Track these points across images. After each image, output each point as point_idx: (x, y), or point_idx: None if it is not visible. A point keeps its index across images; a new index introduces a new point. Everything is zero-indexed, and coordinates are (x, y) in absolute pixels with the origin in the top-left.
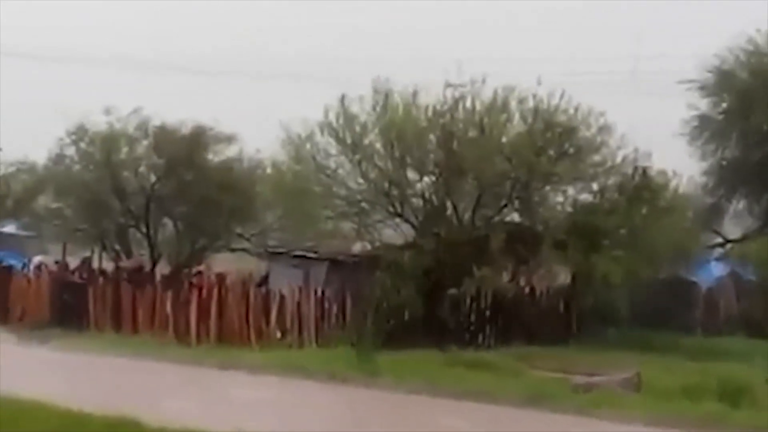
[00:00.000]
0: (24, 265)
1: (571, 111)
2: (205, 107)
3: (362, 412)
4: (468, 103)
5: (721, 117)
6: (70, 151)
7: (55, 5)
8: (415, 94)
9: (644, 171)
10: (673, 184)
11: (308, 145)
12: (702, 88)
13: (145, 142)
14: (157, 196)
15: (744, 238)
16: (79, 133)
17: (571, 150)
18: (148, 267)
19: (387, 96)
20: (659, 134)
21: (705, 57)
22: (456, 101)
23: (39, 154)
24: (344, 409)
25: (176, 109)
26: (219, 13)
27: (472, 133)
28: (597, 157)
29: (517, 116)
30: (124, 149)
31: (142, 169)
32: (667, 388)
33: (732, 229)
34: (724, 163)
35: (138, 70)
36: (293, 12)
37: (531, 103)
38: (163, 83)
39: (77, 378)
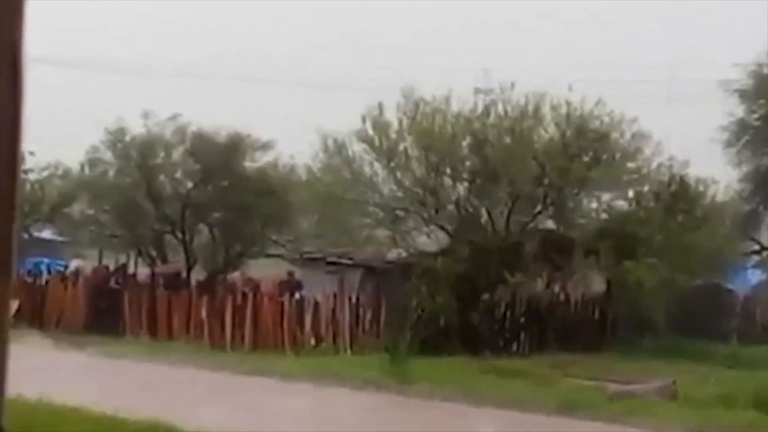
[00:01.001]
0: (61, 271)
1: (605, 117)
2: (240, 114)
3: (396, 420)
4: (500, 109)
5: (758, 123)
6: (107, 156)
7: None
8: (447, 100)
9: (681, 179)
10: (710, 191)
11: (343, 153)
12: (740, 93)
13: (181, 148)
14: (192, 202)
15: None
16: (117, 136)
17: (605, 156)
18: (183, 273)
19: (419, 103)
20: (696, 142)
21: (742, 63)
22: (487, 107)
23: (72, 160)
24: (378, 417)
25: (211, 115)
26: (252, 20)
27: (505, 138)
28: (631, 164)
29: (550, 122)
30: (161, 154)
31: (178, 174)
32: (703, 397)
33: None
34: (761, 169)
35: (172, 77)
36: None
37: (564, 109)
38: (197, 89)
39: (112, 383)
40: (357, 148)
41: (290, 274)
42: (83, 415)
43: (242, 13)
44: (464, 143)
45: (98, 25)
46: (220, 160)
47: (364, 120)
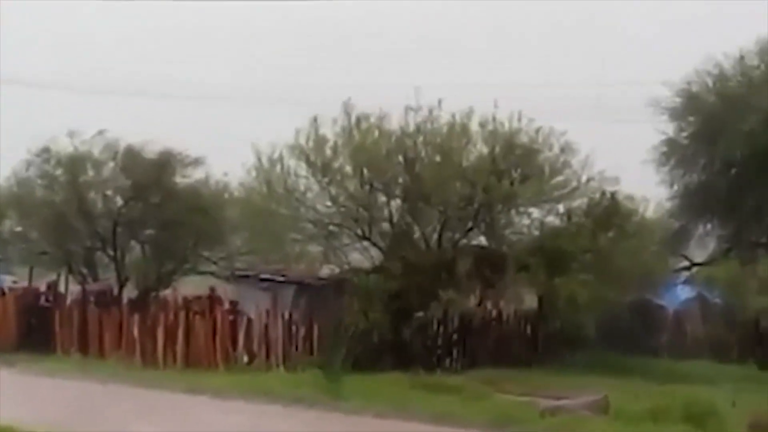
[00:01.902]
0: None
1: (533, 133)
2: (171, 131)
3: None
4: (429, 127)
5: (687, 141)
6: (35, 173)
7: (15, 27)
8: (382, 118)
9: (612, 195)
10: (640, 208)
11: (277, 168)
12: (669, 112)
13: (111, 165)
14: (124, 219)
15: (710, 262)
16: (44, 155)
17: (533, 171)
18: (115, 290)
19: (358, 120)
20: (626, 160)
21: (671, 82)
22: (418, 125)
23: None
24: None
25: (142, 133)
26: (185, 39)
27: (435, 157)
28: (560, 178)
29: (479, 140)
30: (90, 171)
31: (108, 191)
32: (634, 412)
33: (698, 252)
34: (691, 187)
35: (103, 94)
36: (258, 38)
37: (491, 126)
38: (128, 107)
39: (44, 402)
40: (291, 163)
41: (212, 289)
42: None
43: (176, 31)
44: (396, 161)
45: (26, 42)
46: (150, 176)
47: (297, 135)
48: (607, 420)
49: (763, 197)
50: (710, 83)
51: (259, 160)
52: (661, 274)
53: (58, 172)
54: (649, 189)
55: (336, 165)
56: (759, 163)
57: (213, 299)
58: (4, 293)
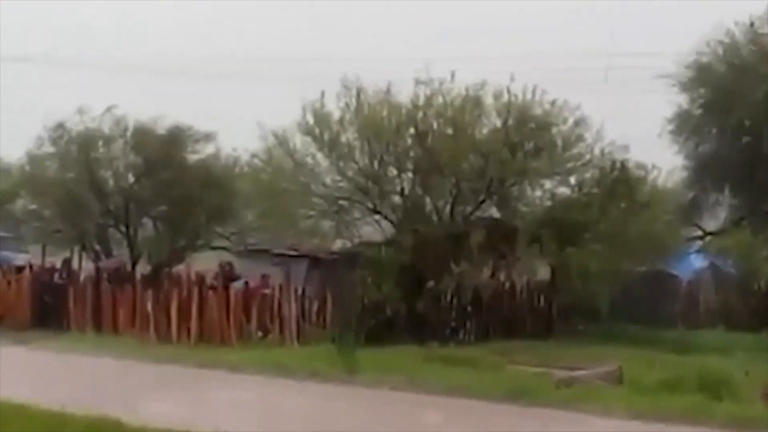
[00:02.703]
0: (4, 267)
1: (547, 106)
2: (182, 108)
3: (343, 410)
4: (440, 100)
5: (699, 112)
6: (47, 151)
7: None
8: (388, 91)
9: (622, 165)
10: (651, 177)
11: (285, 144)
12: (680, 83)
13: (121, 141)
14: (135, 196)
15: (723, 231)
16: (57, 132)
17: (546, 145)
18: (128, 267)
19: (360, 93)
20: (638, 130)
21: (682, 52)
22: (428, 98)
23: (13, 157)
24: (325, 407)
25: (151, 110)
26: (194, 15)
27: (447, 130)
28: (574, 151)
29: (492, 112)
30: (101, 149)
31: (120, 168)
32: (648, 382)
33: (711, 222)
34: (703, 156)
35: (113, 72)
36: (267, 14)
37: (505, 98)
38: (138, 85)
39: (58, 378)
40: (299, 139)
41: (221, 265)
42: (30, 411)
43: (183, 8)
44: (408, 134)
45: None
46: (161, 152)
47: (304, 111)
48: (622, 390)
49: None
50: (721, 52)
51: (268, 137)
52: (673, 243)
53: (70, 149)
54: (661, 159)
55: (344, 140)
56: None
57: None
58: (18, 271)
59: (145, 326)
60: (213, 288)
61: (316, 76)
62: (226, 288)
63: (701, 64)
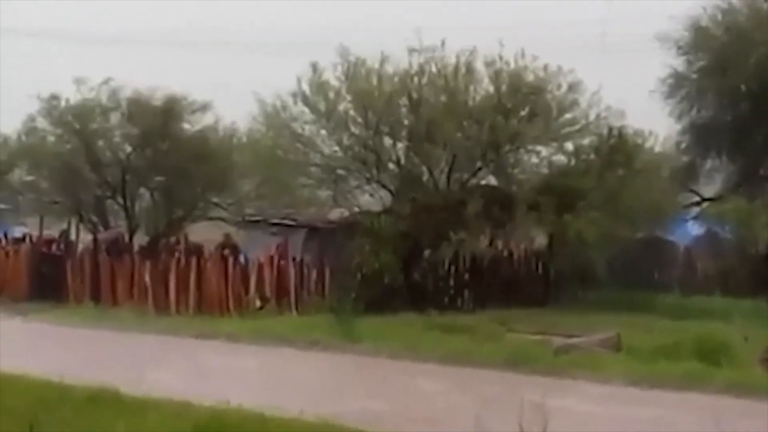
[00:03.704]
0: (2, 239)
1: (540, 71)
2: (179, 79)
3: (343, 378)
4: (433, 68)
5: (696, 75)
6: (43, 123)
7: None
8: (382, 60)
9: (619, 131)
10: (648, 143)
11: (282, 114)
12: (677, 46)
13: (118, 112)
14: (132, 167)
15: (720, 197)
16: (52, 103)
17: (540, 110)
18: (125, 238)
19: (356, 63)
20: (634, 94)
21: (679, 16)
22: (421, 66)
23: (9, 128)
24: (325, 376)
25: (147, 81)
26: None
27: (440, 97)
28: (568, 116)
29: (485, 79)
30: (98, 119)
31: (116, 139)
32: (646, 348)
33: (708, 188)
34: (699, 122)
35: (109, 44)
36: None
37: (498, 65)
38: (132, 56)
39: (57, 350)
40: (295, 109)
41: (226, 236)
42: (29, 382)
43: None
44: (401, 102)
45: None
46: (157, 123)
47: (300, 81)
48: (620, 357)
49: None
50: (719, 16)
51: (264, 107)
52: (670, 210)
53: (67, 120)
54: (657, 123)
55: (340, 109)
56: (767, 98)
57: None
58: (16, 242)
59: (143, 297)
60: (224, 258)
61: (311, 45)
62: (224, 258)
63: (699, 27)
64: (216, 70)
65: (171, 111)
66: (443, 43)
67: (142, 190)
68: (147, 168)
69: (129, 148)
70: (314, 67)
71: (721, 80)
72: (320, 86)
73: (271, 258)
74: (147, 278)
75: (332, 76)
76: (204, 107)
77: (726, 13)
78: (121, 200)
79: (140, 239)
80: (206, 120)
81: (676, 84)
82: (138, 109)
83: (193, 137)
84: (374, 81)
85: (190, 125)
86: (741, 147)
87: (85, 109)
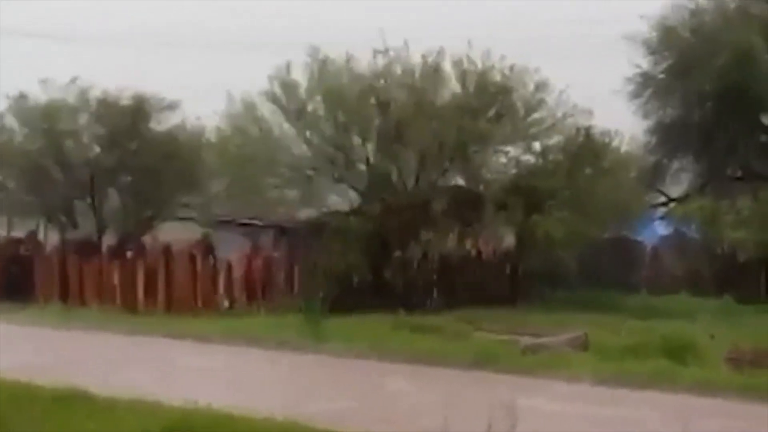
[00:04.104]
0: None
1: (506, 71)
2: (145, 79)
3: (311, 378)
4: (400, 69)
5: (662, 75)
6: (12, 121)
7: None
8: (349, 60)
9: (587, 131)
10: (616, 143)
11: (252, 114)
12: (644, 45)
13: (86, 113)
14: (101, 167)
15: (687, 197)
16: (20, 102)
17: (508, 110)
18: (94, 238)
19: (325, 63)
20: (600, 94)
21: (648, 16)
22: (388, 67)
23: None
24: (294, 376)
25: (115, 80)
26: None
27: (408, 98)
28: (536, 116)
29: (452, 79)
30: (66, 119)
31: (85, 139)
32: (613, 347)
33: (674, 188)
34: (666, 121)
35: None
36: None
37: (465, 65)
38: (101, 55)
39: (26, 350)
40: (265, 108)
41: (205, 235)
42: None
43: None
44: (370, 103)
45: None
46: (125, 122)
47: (271, 80)
48: (588, 356)
49: (737, 132)
50: (686, 17)
51: (234, 106)
52: (637, 209)
53: (35, 120)
54: (623, 123)
55: (310, 108)
56: (733, 98)
57: (205, 246)
58: None
59: (112, 297)
60: (193, 258)
61: (282, 44)
62: (193, 258)
63: (666, 27)
64: (185, 69)
65: (139, 110)
66: (406, 43)
67: (111, 190)
68: (115, 168)
69: (97, 148)
70: (285, 66)
71: (688, 81)
72: (290, 86)
73: (240, 258)
74: (115, 278)
75: (302, 76)
76: (172, 106)
77: (693, 14)
78: (89, 200)
79: (109, 239)
80: (175, 119)
81: (643, 84)
82: (106, 109)
83: (161, 137)
84: (344, 81)
85: (158, 124)
86: (707, 147)
87: (53, 108)
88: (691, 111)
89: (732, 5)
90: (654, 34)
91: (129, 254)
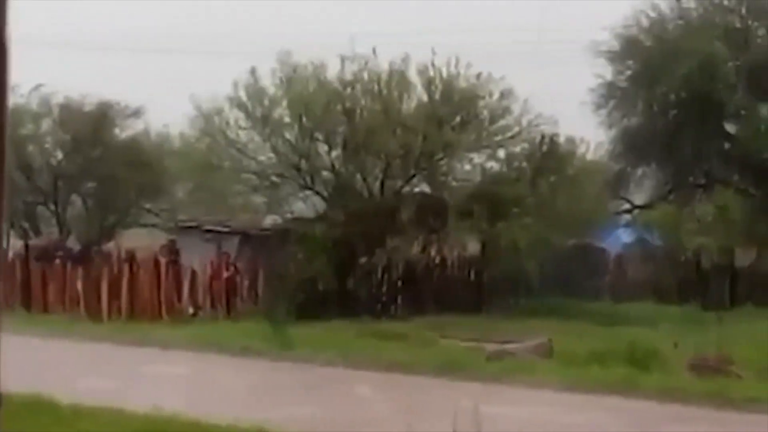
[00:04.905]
0: None
1: (472, 79)
2: (110, 84)
3: (276, 385)
4: (366, 76)
5: (626, 84)
6: None
7: None
8: (317, 67)
9: (551, 139)
10: (580, 151)
11: (217, 120)
12: (608, 55)
13: (49, 119)
14: (64, 173)
15: (651, 204)
16: None
17: (473, 118)
18: (57, 244)
19: (294, 69)
20: (565, 102)
21: (610, 25)
22: (355, 74)
23: None
24: (259, 383)
25: (79, 86)
26: None
27: (374, 106)
28: (501, 123)
29: (418, 87)
30: (29, 125)
31: (47, 145)
32: (578, 354)
33: (638, 195)
34: (630, 130)
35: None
36: None
37: (430, 73)
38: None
39: None
40: (231, 115)
41: (171, 241)
42: None
43: None
44: (336, 110)
45: None
46: (89, 129)
47: (236, 86)
48: (552, 363)
49: (701, 139)
50: (648, 26)
51: (199, 112)
52: (601, 217)
53: None
54: (588, 131)
55: (275, 116)
56: (696, 106)
57: (171, 251)
58: None
59: (75, 304)
60: (171, 263)
61: (248, 51)
62: (157, 265)
63: (629, 36)
64: (149, 75)
65: (103, 117)
66: (374, 51)
67: (74, 196)
68: (79, 174)
69: (60, 154)
70: (251, 72)
71: (651, 89)
72: (256, 92)
73: (205, 265)
74: (79, 285)
75: (269, 83)
76: (136, 113)
77: (655, 23)
78: (52, 206)
79: (72, 246)
80: (138, 125)
81: (608, 93)
82: (69, 115)
83: (125, 143)
84: (311, 88)
85: (122, 131)
86: (671, 155)
87: (15, 114)
88: (655, 119)
89: (694, 14)
90: (617, 43)
91: (93, 261)
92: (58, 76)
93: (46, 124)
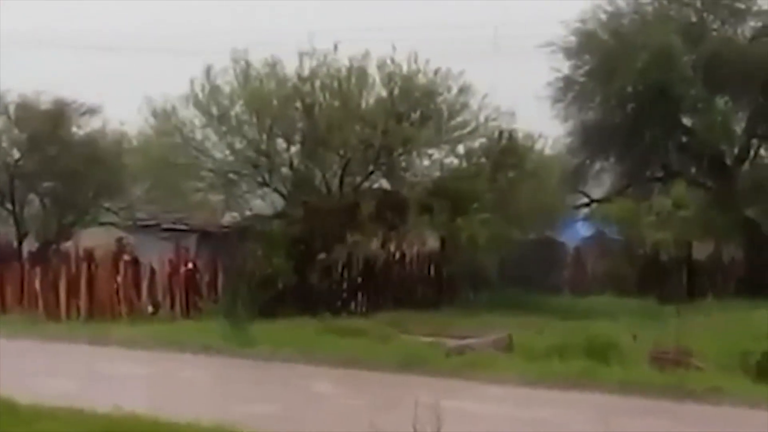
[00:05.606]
0: None
1: (431, 74)
2: (66, 82)
3: (237, 383)
4: (325, 72)
5: (583, 79)
6: None
7: None
8: (274, 64)
9: (510, 134)
10: (539, 146)
11: (173, 118)
12: (565, 50)
13: (4, 117)
14: (21, 172)
15: (609, 198)
16: None
17: (432, 113)
18: (14, 244)
19: (248, 66)
20: (523, 98)
21: (569, 20)
22: (314, 70)
23: None
24: (219, 381)
25: (35, 84)
26: None
27: (333, 102)
28: (459, 119)
29: (377, 82)
30: None
31: (3, 144)
32: (537, 348)
33: (597, 189)
34: (588, 124)
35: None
36: None
37: (389, 69)
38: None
39: None
40: (187, 113)
41: (119, 239)
42: None
43: None
44: (294, 107)
45: None
46: (45, 127)
47: (193, 85)
48: (512, 357)
49: (658, 133)
50: (605, 20)
51: (155, 110)
52: (560, 211)
53: None
54: (546, 126)
55: (233, 113)
56: (653, 100)
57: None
58: None
59: (33, 303)
60: (129, 262)
61: (204, 49)
62: (116, 264)
63: (585, 31)
64: (105, 73)
65: (60, 115)
66: (336, 47)
67: (32, 195)
68: (36, 173)
69: (17, 153)
70: (206, 70)
71: (608, 83)
72: (213, 90)
73: (163, 263)
74: (37, 284)
75: (225, 80)
76: (93, 111)
77: (612, 17)
78: (9, 206)
79: (30, 245)
80: (96, 123)
81: (565, 87)
82: (25, 113)
83: (82, 141)
84: (268, 85)
85: (79, 129)
86: (629, 149)
87: None
88: (613, 113)
89: (650, 8)
90: (573, 38)
91: (50, 260)
92: (12, 74)
93: (1, 123)
